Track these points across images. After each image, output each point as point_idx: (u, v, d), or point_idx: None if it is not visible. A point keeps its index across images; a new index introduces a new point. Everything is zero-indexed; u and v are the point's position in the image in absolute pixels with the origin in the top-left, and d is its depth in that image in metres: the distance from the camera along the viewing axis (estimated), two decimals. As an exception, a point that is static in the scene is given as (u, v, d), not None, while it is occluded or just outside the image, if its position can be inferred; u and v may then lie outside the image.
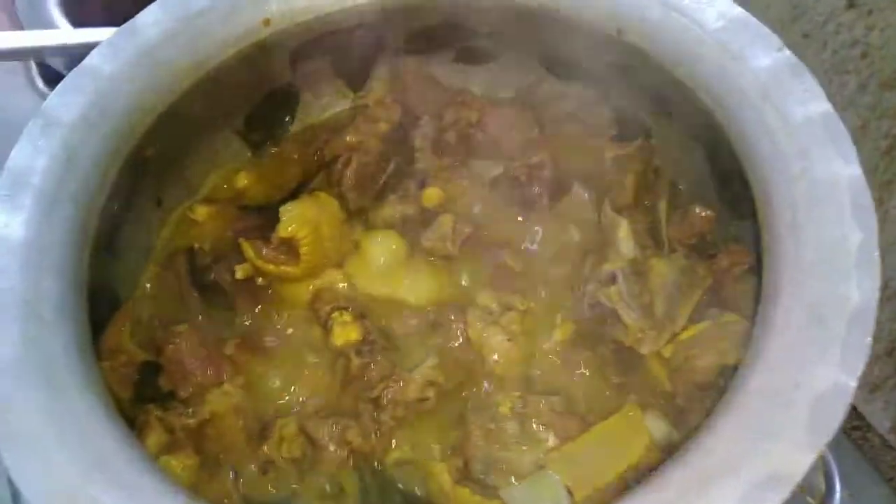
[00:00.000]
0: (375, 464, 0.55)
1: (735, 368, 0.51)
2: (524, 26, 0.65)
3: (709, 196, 0.60)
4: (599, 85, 0.67)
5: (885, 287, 0.62)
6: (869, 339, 0.38)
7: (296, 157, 0.72)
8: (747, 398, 0.39)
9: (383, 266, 0.64)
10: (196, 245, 0.65)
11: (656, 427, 0.52)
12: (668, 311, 0.53)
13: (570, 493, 0.50)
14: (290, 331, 0.62)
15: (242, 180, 0.71)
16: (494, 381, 0.57)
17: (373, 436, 0.55)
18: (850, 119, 0.75)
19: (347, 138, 0.68)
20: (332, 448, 0.55)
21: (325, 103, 0.74)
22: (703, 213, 0.57)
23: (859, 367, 0.38)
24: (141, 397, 0.55)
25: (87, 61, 0.55)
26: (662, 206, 0.60)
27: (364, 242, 0.64)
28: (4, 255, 0.46)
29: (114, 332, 0.57)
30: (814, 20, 0.89)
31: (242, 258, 0.62)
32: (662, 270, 0.54)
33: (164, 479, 0.42)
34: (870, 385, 0.69)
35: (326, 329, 0.60)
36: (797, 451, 0.36)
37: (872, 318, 0.38)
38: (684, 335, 0.54)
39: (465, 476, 0.53)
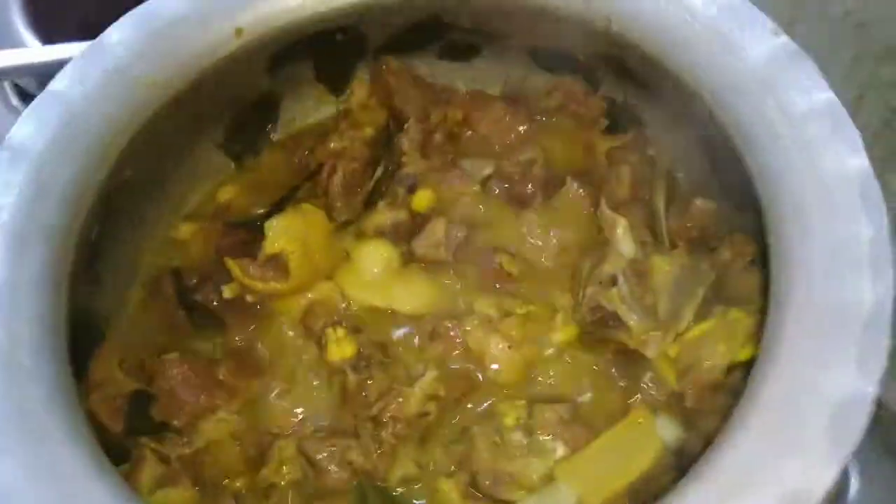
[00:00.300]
0: (379, 483, 0.54)
1: (744, 366, 0.50)
2: (509, 19, 0.63)
3: (708, 187, 0.59)
4: (589, 77, 0.65)
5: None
6: (886, 341, 0.36)
7: (280, 166, 0.70)
8: (763, 409, 0.37)
9: (376, 276, 0.62)
10: (181, 265, 0.63)
11: (667, 431, 0.51)
12: (673, 311, 0.52)
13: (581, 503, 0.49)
14: (283, 349, 0.60)
15: (226, 193, 0.69)
16: (497, 390, 0.56)
17: (374, 454, 0.54)
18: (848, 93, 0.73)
19: (332, 145, 0.66)
20: (333, 469, 0.54)
21: (307, 109, 0.71)
22: (704, 206, 0.56)
23: (878, 370, 0.36)
24: (133, 429, 0.53)
25: (52, 85, 0.53)
26: (660, 199, 0.58)
27: (355, 253, 0.62)
28: (-24, 298, 0.43)
29: (101, 363, 0.55)
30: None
31: (229, 277, 0.60)
32: (665, 269, 0.52)
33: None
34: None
35: (321, 346, 0.59)
36: (819, 465, 0.34)
37: (888, 319, 0.37)
38: (690, 334, 0.52)
39: (473, 491, 0.52)
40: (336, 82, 0.70)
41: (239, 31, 0.58)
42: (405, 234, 0.63)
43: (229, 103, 0.65)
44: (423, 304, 0.60)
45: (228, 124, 0.67)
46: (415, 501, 0.53)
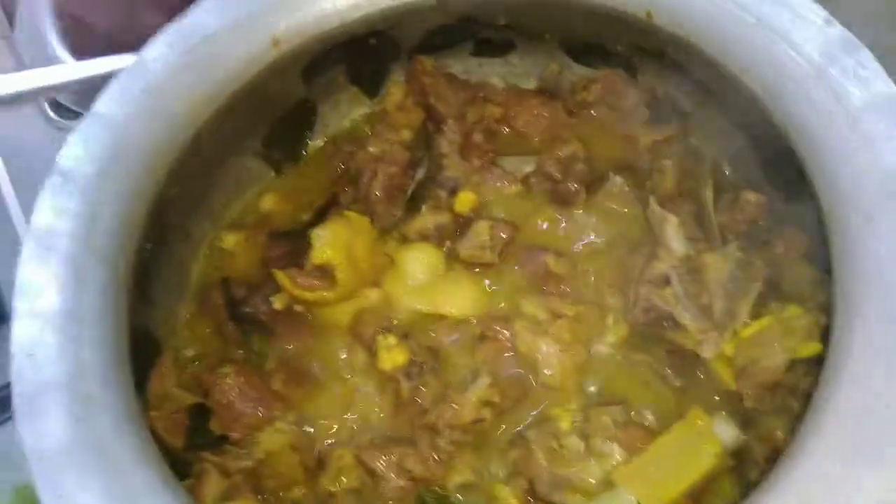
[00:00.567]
0: (438, 490, 0.54)
1: (804, 364, 0.49)
2: (544, 13, 0.62)
3: (756, 179, 0.57)
4: (628, 68, 0.64)
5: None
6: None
7: (319, 171, 0.69)
8: (839, 420, 0.36)
9: (421, 281, 0.62)
10: (229, 275, 0.64)
11: (725, 432, 0.50)
12: (728, 309, 0.51)
13: (642, 508, 0.49)
14: (334, 357, 0.60)
15: (268, 202, 0.69)
16: (549, 394, 0.56)
17: (432, 462, 0.54)
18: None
19: (371, 149, 0.65)
20: (392, 477, 0.54)
21: (342, 113, 0.71)
22: (755, 199, 0.55)
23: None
24: (194, 444, 0.54)
25: (96, 107, 0.53)
26: (708, 192, 0.57)
27: (399, 258, 0.62)
28: (42, 328, 0.44)
29: (158, 379, 0.56)
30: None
31: (277, 287, 0.61)
32: (718, 266, 0.52)
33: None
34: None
35: (371, 353, 0.59)
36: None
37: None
38: (746, 332, 0.51)
39: (531, 497, 0.52)
40: (370, 85, 0.70)
41: (276, 42, 0.57)
42: (449, 237, 0.63)
43: (267, 113, 0.65)
44: (469, 307, 0.60)
45: (267, 133, 0.67)
46: (472, 508, 0.54)
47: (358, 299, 0.61)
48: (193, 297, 0.63)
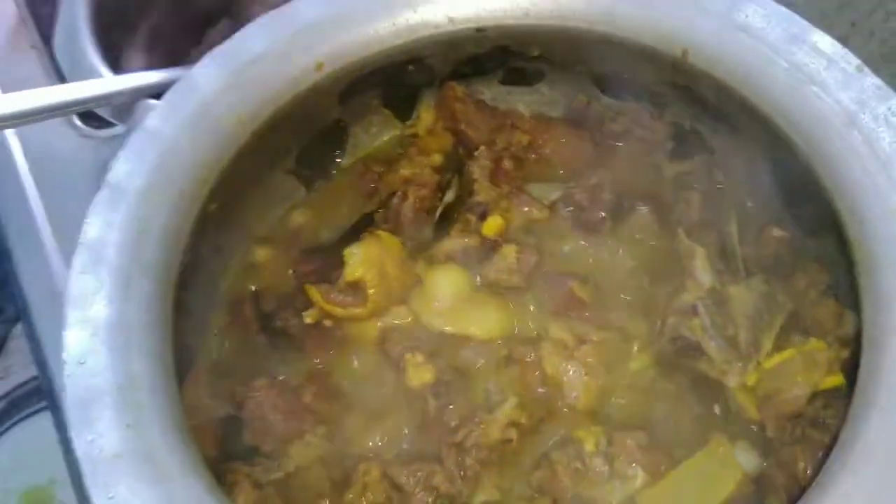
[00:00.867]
0: (463, 507, 0.55)
1: (824, 396, 0.51)
2: (577, 48, 0.64)
3: (779, 214, 0.59)
4: (656, 102, 0.66)
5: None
6: None
7: (349, 190, 0.71)
8: (865, 456, 0.38)
9: (448, 302, 0.63)
10: (260, 288, 0.65)
11: (747, 460, 0.52)
12: (753, 341, 0.53)
13: (663, 531, 0.50)
14: (363, 373, 0.61)
15: (298, 217, 0.70)
16: (575, 417, 0.57)
17: (458, 479, 0.55)
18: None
19: (402, 172, 0.67)
20: (418, 494, 0.55)
21: (373, 135, 0.73)
22: (779, 234, 0.56)
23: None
24: (226, 455, 0.55)
25: (146, 122, 0.55)
26: (733, 226, 0.59)
27: (427, 278, 0.64)
28: (92, 337, 0.45)
29: (191, 390, 0.57)
30: (861, 9, 0.87)
31: (307, 302, 0.62)
32: (744, 298, 0.53)
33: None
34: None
35: (399, 370, 0.60)
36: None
37: None
38: (769, 364, 0.53)
39: (554, 517, 0.53)
40: (403, 109, 0.72)
41: (319, 65, 0.59)
42: (476, 260, 0.64)
43: (303, 132, 0.67)
44: (496, 329, 0.62)
45: (300, 151, 0.69)
46: (495, 526, 0.55)
47: (386, 317, 0.63)
48: (224, 309, 0.64)
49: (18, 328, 1.29)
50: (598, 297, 0.61)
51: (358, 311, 0.61)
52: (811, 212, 0.54)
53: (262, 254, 0.68)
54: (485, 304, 0.63)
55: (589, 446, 0.55)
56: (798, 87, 0.50)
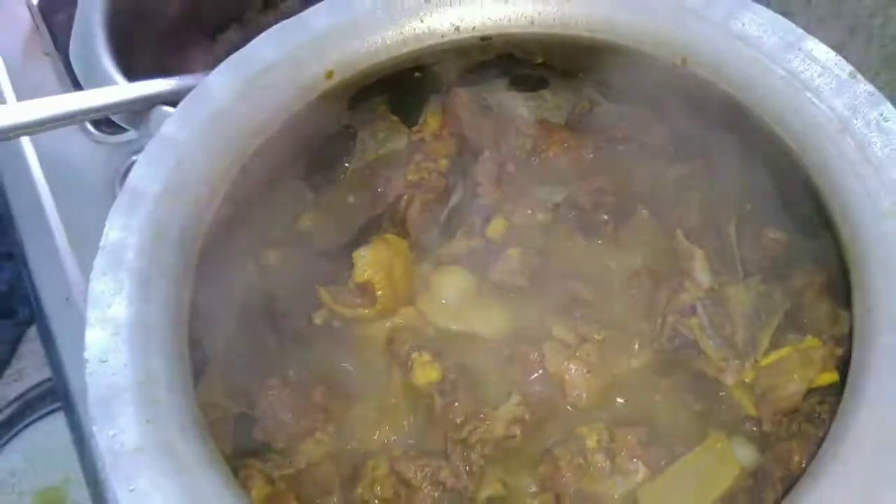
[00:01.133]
0: (468, 502, 0.57)
1: (819, 392, 0.52)
2: (579, 56, 0.66)
3: (776, 215, 0.61)
4: (656, 108, 0.67)
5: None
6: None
7: (356, 195, 0.73)
8: (855, 446, 0.39)
9: (454, 303, 0.65)
10: (270, 291, 0.67)
11: (745, 454, 0.53)
12: (750, 339, 0.54)
13: (663, 524, 0.52)
14: (370, 373, 0.63)
15: (306, 221, 0.72)
16: (577, 413, 0.59)
17: (464, 475, 0.57)
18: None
19: (409, 177, 0.69)
20: (425, 488, 0.57)
21: (380, 140, 0.75)
22: (776, 236, 0.58)
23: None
24: (240, 451, 0.57)
25: (163, 129, 0.57)
26: (731, 228, 0.61)
27: (433, 280, 0.66)
28: (113, 336, 0.47)
29: (206, 388, 0.59)
30: (860, 14, 0.88)
31: (317, 303, 0.64)
32: (741, 298, 0.55)
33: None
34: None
35: (406, 368, 0.62)
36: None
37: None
38: (766, 361, 0.54)
39: (557, 511, 0.55)
40: (409, 115, 0.74)
41: (329, 74, 0.61)
42: (481, 262, 0.66)
43: (313, 138, 0.69)
44: (501, 328, 0.64)
45: (309, 157, 0.70)
46: (500, 521, 0.56)
47: (394, 317, 0.65)
48: (238, 310, 0.66)
49: (32, 331, 1.31)
50: (600, 297, 0.63)
51: (367, 311, 0.63)
52: (807, 214, 0.55)
53: (273, 257, 0.69)
54: (489, 305, 0.65)
55: (591, 442, 0.56)
56: (793, 94, 0.51)
